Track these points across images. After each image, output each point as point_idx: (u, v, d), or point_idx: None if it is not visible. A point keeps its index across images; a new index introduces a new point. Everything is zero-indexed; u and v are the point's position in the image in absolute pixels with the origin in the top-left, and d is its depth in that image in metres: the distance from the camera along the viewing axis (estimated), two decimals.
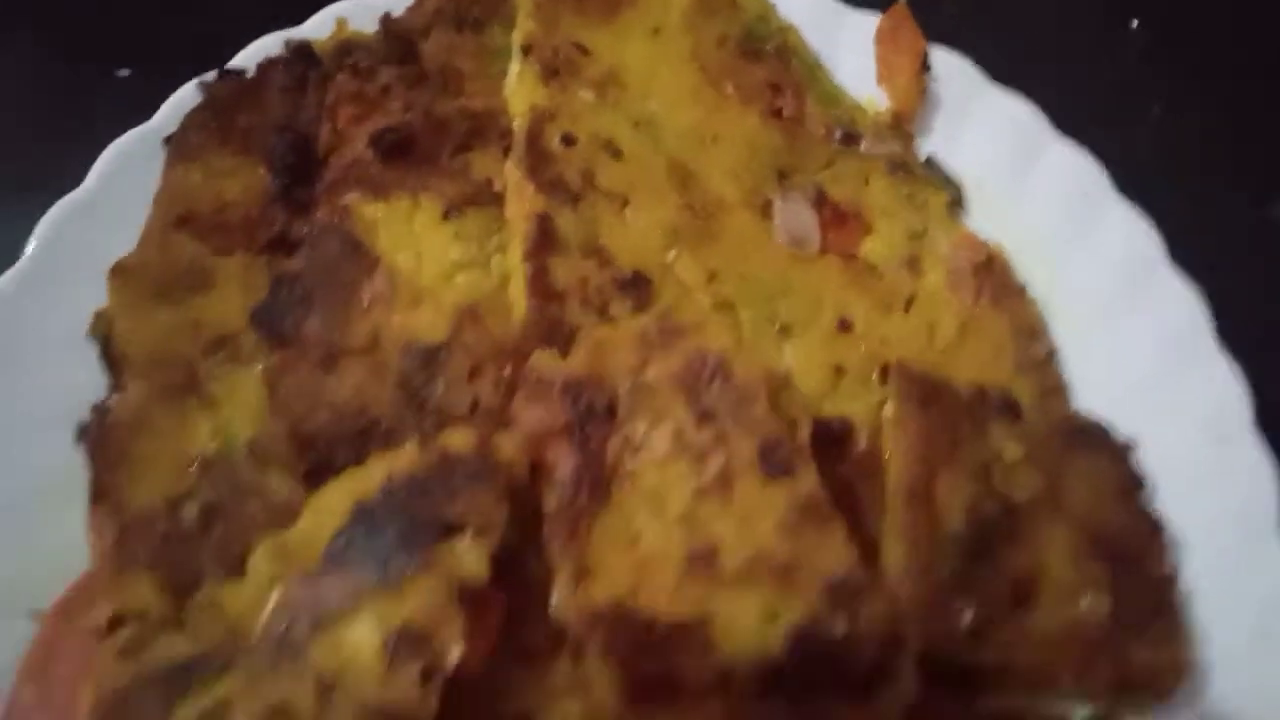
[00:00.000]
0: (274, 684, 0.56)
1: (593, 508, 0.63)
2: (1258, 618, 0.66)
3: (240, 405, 0.70)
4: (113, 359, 0.70)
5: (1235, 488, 0.70)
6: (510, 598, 0.61)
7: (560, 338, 0.68)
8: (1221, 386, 0.73)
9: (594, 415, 0.65)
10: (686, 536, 0.62)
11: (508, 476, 0.61)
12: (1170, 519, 0.70)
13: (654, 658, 0.58)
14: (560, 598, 0.61)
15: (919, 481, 0.65)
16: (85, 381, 0.70)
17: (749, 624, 0.59)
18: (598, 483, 0.63)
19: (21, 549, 0.65)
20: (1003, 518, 0.66)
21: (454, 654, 0.55)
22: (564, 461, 0.63)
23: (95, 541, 0.65)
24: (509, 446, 0.62)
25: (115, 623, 0.62)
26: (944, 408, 0.68)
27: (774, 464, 0.63)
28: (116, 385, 0.70)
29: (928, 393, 0.68)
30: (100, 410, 0.69)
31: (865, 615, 0.59)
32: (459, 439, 0.62)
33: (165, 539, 0.65)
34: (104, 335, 0.70)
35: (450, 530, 0.59)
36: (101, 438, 0.67)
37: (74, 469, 0.67)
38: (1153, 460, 0.72)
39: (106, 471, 0.66)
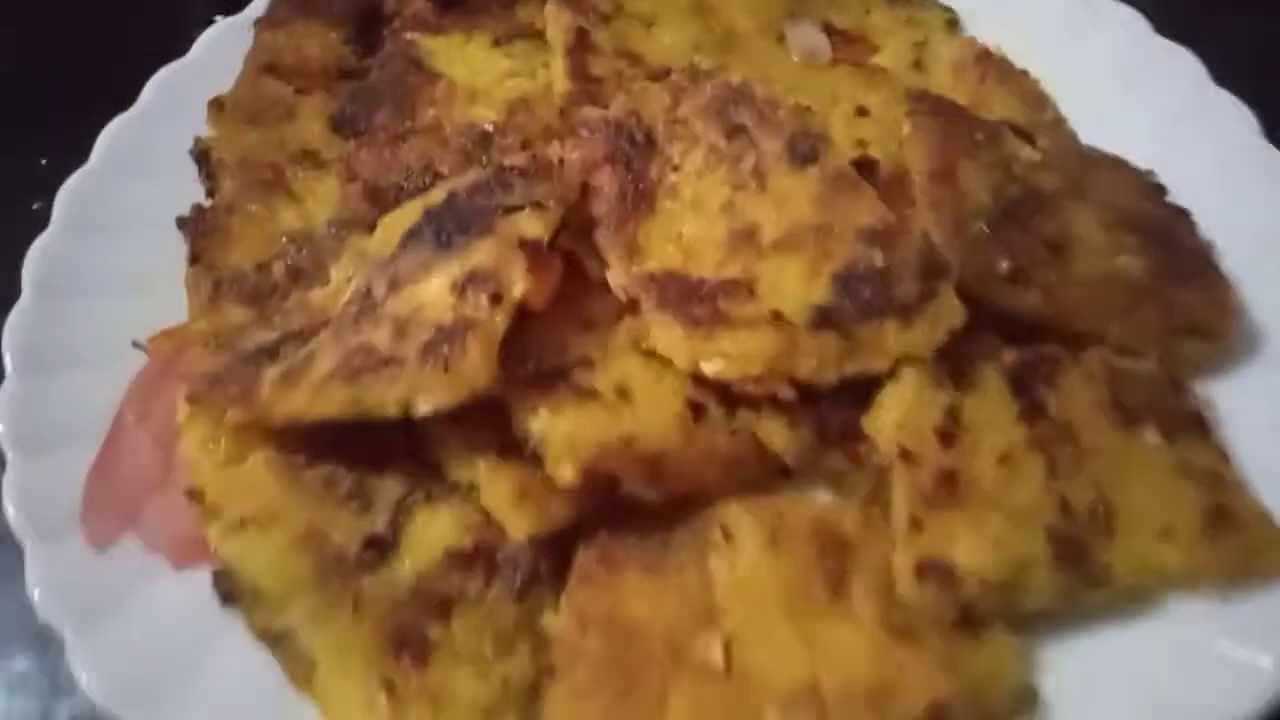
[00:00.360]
0: (355, 333, 0.61)
1: (639, 214, 0.68)
2: None
3: (321, 199, 0.78)
4: (210, 169, 0.79)
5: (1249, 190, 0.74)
6: (569, 281, 0.66)
7: (600, 106, 0.76)
8: (1228, 117, 0.78)
9: (635, 144, 0.71)
10: (728, 221, 0.67)
11: (558, 176, 0.68)
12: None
13: (704, 304, 0.62)
14: (615, 271, 0.65)
15: (941, 167, 0.69)
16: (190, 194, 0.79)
17: (792, 281, 0.63)
18: (641, 195, 0.69)
19: (130, 314, 0.72)
20: (1028, 196, 0.69)
21: (518, 288, 0.60)
22: (609, 182, 0.70)
23: (191, 298, 0.72)
24: (557, 153, 0.69)
25: (210, 336, 0.68)
26: (956, 117, 0.73)
27: (800, 152, 0.68)
28: (211, 190, 0.78)
29: (939, 104, 0.74)
30: (198, 207, 0.77)
31: (902, 248, 0.63)
32: (513, 157, 0.69)
33: (255, 290, 0.72)
34: (202, 151, 0.79)
35: (510, 210, 0.64)
36: (198, 219, 0.75)
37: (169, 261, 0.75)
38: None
39: (202, 240, 0.74)
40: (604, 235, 0.67)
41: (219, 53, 0.86)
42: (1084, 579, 0.55)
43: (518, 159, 0.68)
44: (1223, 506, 0.56)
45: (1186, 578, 0.55)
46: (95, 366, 0.69)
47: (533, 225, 0.63)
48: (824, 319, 0.60)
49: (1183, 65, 0.81)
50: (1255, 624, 0.54)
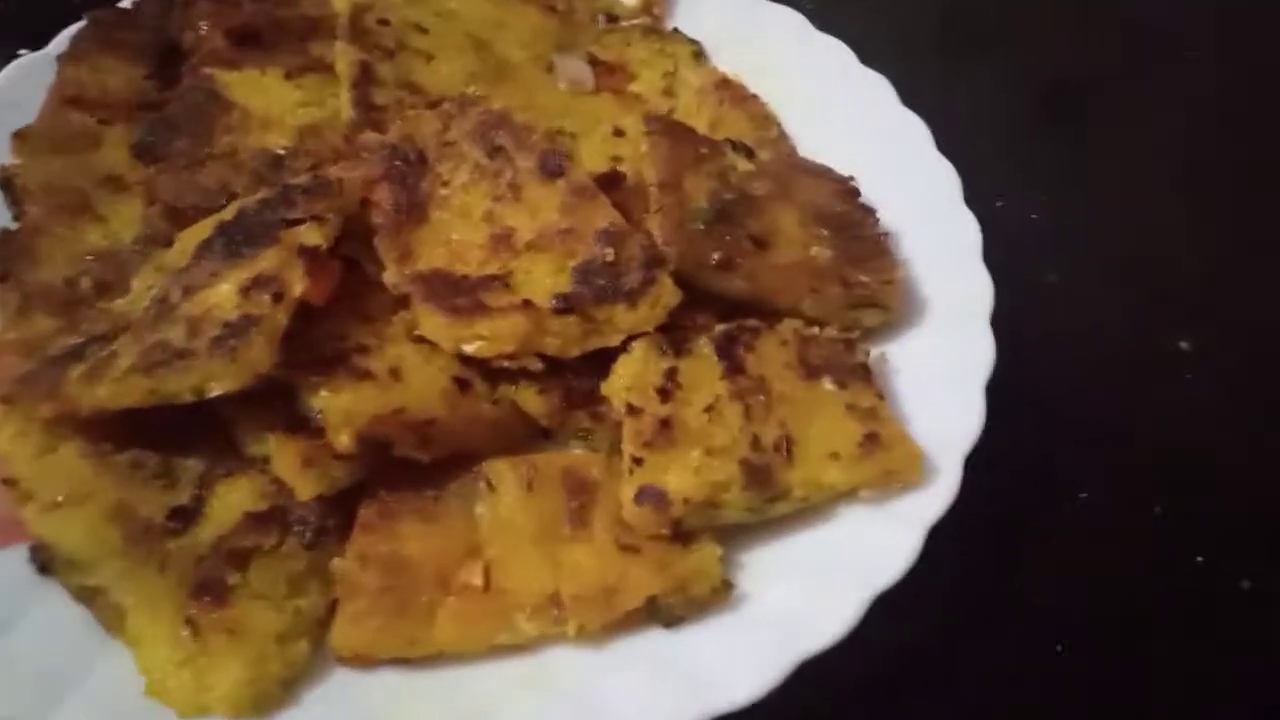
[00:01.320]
0: (152, 332, 0.69)
1: (412, 223, 0.79)
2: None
3: (125, 220, 0.85)
4: (15, 195, 0.85)
5: (929, 186, 0.91)
6: (349, 282, 0.76)
7: (381, 132, 0.87)
8: (910, 128, 0.95)
9: (409, 164, 0.82)
10: (488, 227, 0.79)
11: (338, 193, 0.78)
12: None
13: (466, 296, 0.74)
14: (390, 271, 0.76)
15: (669, 177, 0.83)
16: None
17: (541, 275, 0.76)
18: (415, 206, 0.80)
19: None
20: (740, 200, 0.84)
21: (297, 288, 0.70)
22: (386, 197, 0.80)
23: (1, 312, 0.78)
24: (337, 173, 0.79)
25: (19, 344, 0.74)
26: (686, 136, 0.88)
27: (550, 168, 0.81)
28: (18, 214, 0.85)
29: (671, 126, 0.88)
30: (4, 231, 0.83)
31: (630, 245, 0.77)
32: (298, 179, 0.79)
33: (64, 302, 0.79)
34: (6, 179, 0.85)
35: (293, 223, 0.74)
36: (5, 242, 0.81)
37: None
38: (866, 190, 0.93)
39: (10, 261, 0.80)
40: (381, 242, 0.78)
41: (22, 86, 0.93)
42: (768, 496, 0.69)
43: (302, 179, 0.79)
44: (875, 434, 0.72)
45: (848, 489, 0.70)
46: None
47: (312, 235, 0.73)
48: (566, 304, 0.73)
49: (877, 90, 0.99)
50: (899, 515, 0.70)
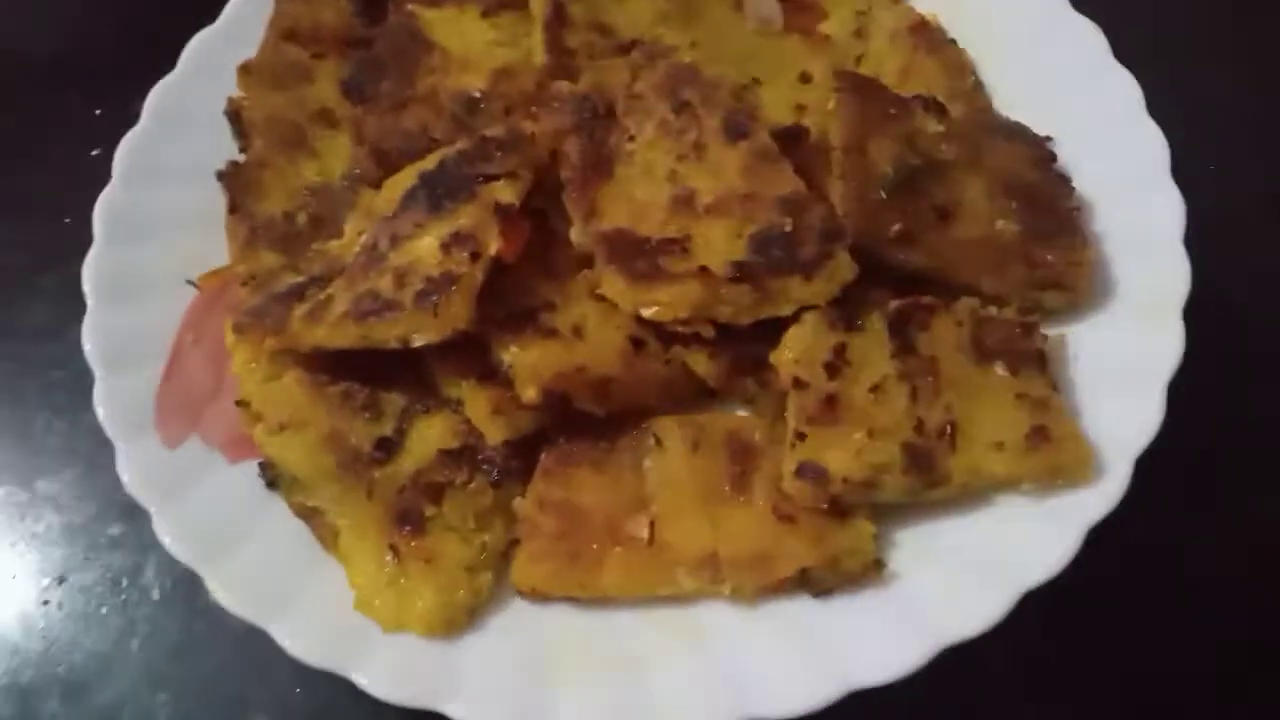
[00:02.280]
0: (363, 281, 0.76)
1: (599, 179, 0.82)
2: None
3: (337, 155, 0.92)
4: (241, 128, 0.93)
5: (1133, 155, 0.86)
6: (538, 237, 0.80)
7: (571, 79, 0.89)
8: (1121, 85, 0.89)
9: (597, 116, 0.84)
10: (671, 187, 0.80)
11: (531, 147, 0.81)
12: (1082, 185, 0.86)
13: (646, 259, 0.76)
14: (576, 229, 0.80)
15: (854, 140, 0.82)
16: (226, 149, 0.93)
17: (719, 240, 0.77)
18: (602, 161, 0.82)
19: (183, 253, 0.88)
20: (926, 166, 0.82)
21: (493, 247, 0.74)
22: (574, 148, 0.83)
23: (231, 242, 0.87)
24: (531, 127, 0.83)
25: (249, 279, 0.83)
26: (875, 95, 0.86)
27: (734, 129, 0.81)
28: (244, 146, 0.93)
29: (861, 83, 0.86)
30: (234, 162, 0.91)
31: (808, 217, 0.77)
32: (494, 129, 0.83)
33: (284, 236, 0.87)
34: (234, 111, 0.93)
35: (489, 179, 0.79)
36: (235, 174, 0.89)
37: (213, 207, 0.90)
38: (1065, 149, 0.89)
39: (239, 193, 0.88)
40: (569, 197, 0.81)
41: (246, 18, 0.99)
42: (928, 482, 0.70)
43: (498, 130, 0.82)
44: (1044, 427, 0.71)
45: (1010, 482, 0.71)
46: (158, 298, 0.85)
47: (506, 193, 0.77)
48: (741, 274, 0.75)
49: (1086, 39, 0.92)
50: (1058, 513, 0.70)
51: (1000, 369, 0.74)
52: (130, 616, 0.85)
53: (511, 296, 0.77)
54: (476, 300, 0.73)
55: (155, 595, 0.85)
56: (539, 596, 0.71)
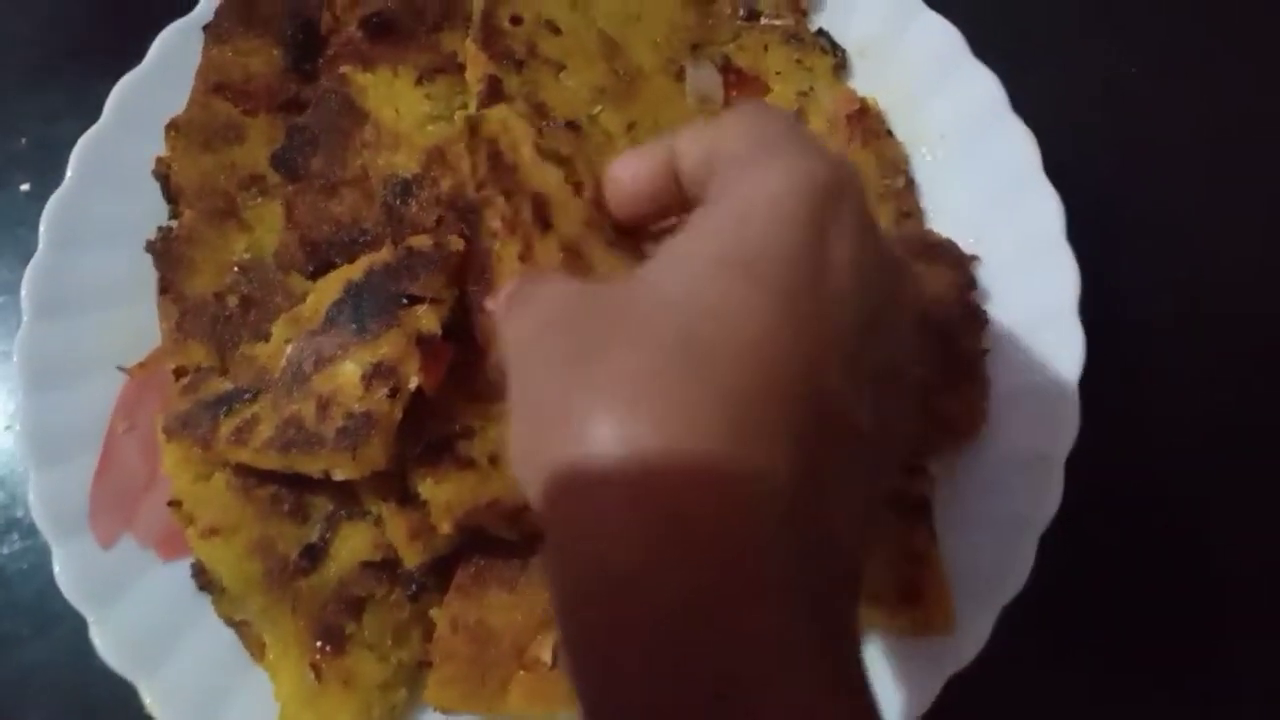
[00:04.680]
0: (288, 403, 0.79)
1: None
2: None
3: (268, 226, 0.92)
4: (171, 193, 0.92)
5: (1046, 284, 0.89)
6: (461, 354, 0.83)
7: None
8: (1045, 208, 0.91)
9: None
10: None
11: (455, 264, 0.83)
12: (992, 313, 0.89)
13: None
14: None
15: None
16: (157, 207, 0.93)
17: None
18: None
19: (116, 329, 0.89)
20: None
21: (413, 381, 0.77)
22: None
23: (163, 323, 0.89)
24: (456, 244, 0.83)
25: (179, 373, 0.85)
26: None
27: None
28: (175, 212, 0.92)
29: None
30: (164, 230, 0.91)
31: None
32: (421, 240, 0.84)
33: (213, 320, 0.88)
34: (164, 174, 0.92)
35: (413, 300, 0.80)
36: (165, 248, 0.90)
37: (146, 273, 0.90)
38: (985, 271, 0.91)
39: (170, 271, 0.89)
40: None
41: (172, 62, 0.96)
42: None
43: (424, 243, 0.83)
44: (919, 585, 0.78)
45: (881, 628, 0.78)
46: (91, 381, 0.87)
47: (428, 320, 0.79)
48: None
49: (1018, 148, 0.93)
50: (922, 659, 0.78)
51: (885, 517, 0.80)
52: None
53: (430, 423, 0.80)
54: (395, 433, 0.76)
55: None
56: (449, 713, 0.78)
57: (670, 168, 0.60)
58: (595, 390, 0.47)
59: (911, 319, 0.59)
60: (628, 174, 0.63)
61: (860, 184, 0.55)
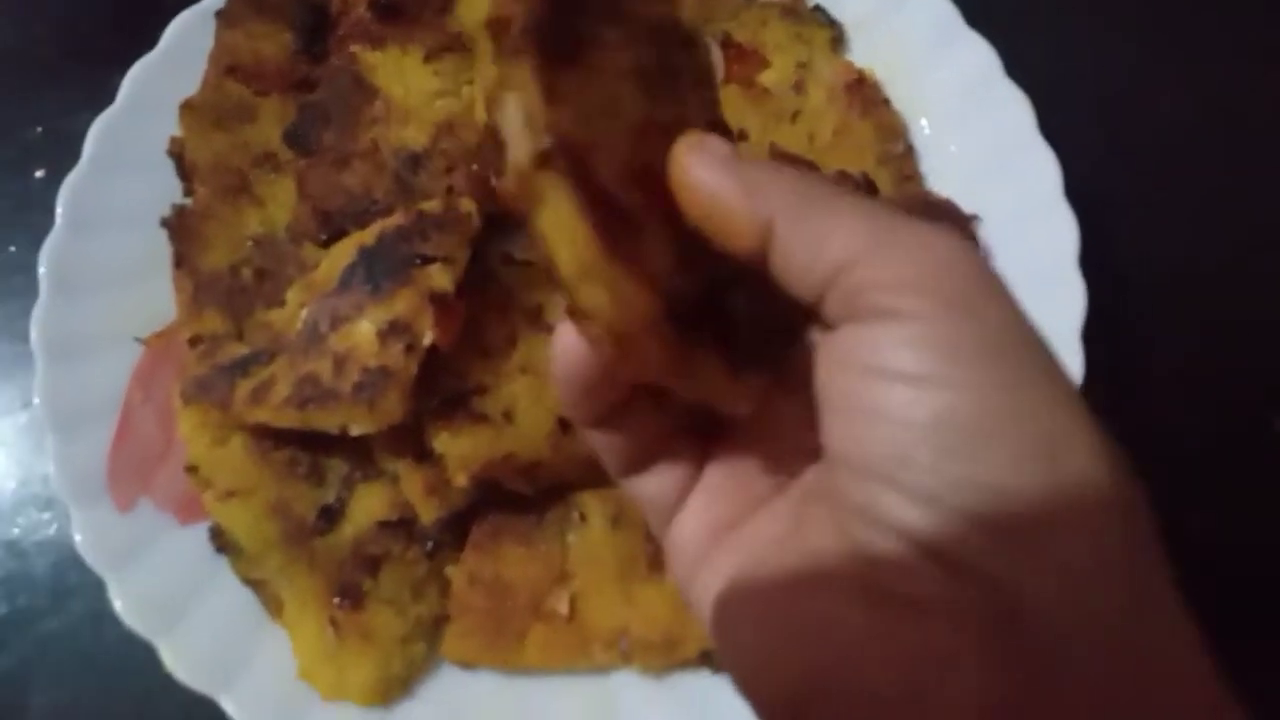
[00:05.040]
0: (304, 362, 0.80)
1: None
2: None
3: (280, 202, 0.93)
4: (185, 171, 0.94)
5: (1046, 239, 0.90)
6: (474, 312, 0.84)
7: None
8: (1042, 166, 0.93)
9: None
10: None
11: (466, 226, 0.84)
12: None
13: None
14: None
15: None
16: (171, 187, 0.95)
17: None
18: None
19: (132, 304, 0.90)
20: None
21: (427, 337, 0.78)
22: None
23: (178, 296, 0.90)
24: (467, 206, 0.85)
25: (195, 340, 0.86)
26: None
27: None
28: (189, 190, 0.94)
29: (794, 164, 0.89)
30: (178, 207, 0.93)
31: None
32: (431, 204, 0.86)
33: (229, 291, 0.89)
34: (178, 154, 0.94)
35: (425, 260, 0.82)
36: (180, 224, 0.91)
37: (161, 251, 0.92)
38: (986, 229, 0.93)
39: (184, 245, 0.90)
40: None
41: (185, 46, 0.98)
42: None
43: (434, 205, 0.85)
44: None
45: None
46: (108, 353, 0.88)
47: (441, 279, 0.80)
48: None
49: (1013, 111, 0.95)
50: None
51: None
52: None
53: (445, 380, 0.81)
54: (411, 388, 0.77)
55: None
56: (468, 664, 0.78)
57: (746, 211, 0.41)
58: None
59: None
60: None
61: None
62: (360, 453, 0.83)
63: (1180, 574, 0.37)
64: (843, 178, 0.91)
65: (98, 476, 0.83)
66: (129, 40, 1.00)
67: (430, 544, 0.81)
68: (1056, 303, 0.87)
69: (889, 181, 0.95)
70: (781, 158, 0.89)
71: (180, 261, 0.90)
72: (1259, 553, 0.91)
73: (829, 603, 0.38)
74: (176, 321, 0.89)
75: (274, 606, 0.80)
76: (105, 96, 0.97)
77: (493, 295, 0.86)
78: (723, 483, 0.47)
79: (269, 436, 0.83)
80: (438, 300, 0.79)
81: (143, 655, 0.77)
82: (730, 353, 0.41)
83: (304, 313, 0.83)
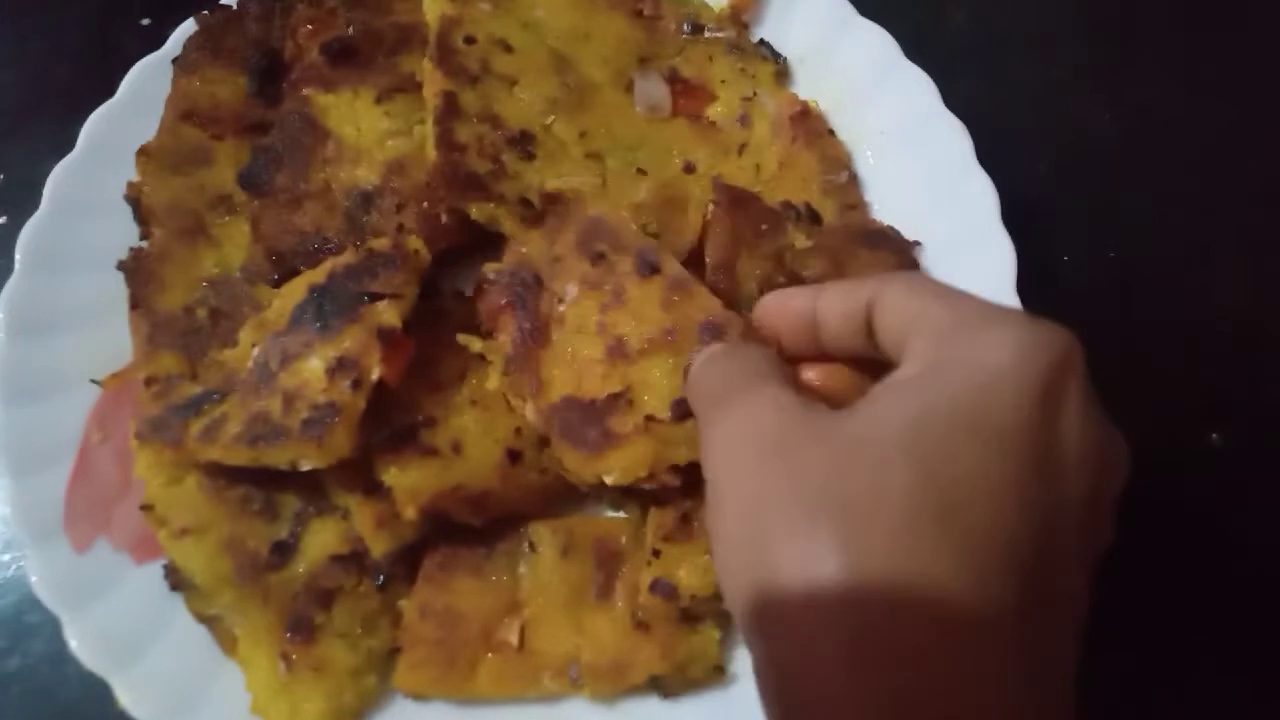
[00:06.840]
0: (255, 400, 0.81)
1: (539, 349, 0.84)
2: None
3: (236, 243, 0.95)
4: (142, 215, 0.96)
5: (984, 263, 0.92)
6: (422, 347, 0.85)
7: (459, 181, 0.91)
8: (979, 194, 0.95)
9: (527, 287, 0.86)
10: (603, 340, 0.82)
11: (414, 263, 0.86)
12: None
13: (595, 426, 0.79)
14: (529, 409, 0.83)
15: (724, 260, 0.88)
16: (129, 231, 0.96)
17: (657, 382, 0.80)
18: (539, 331, 0.84)
19: (89, 346, 0.92)
20: (789, 284, 0.88)
21: (374, 373, 0.80)
22: (512, 324, 0.85)
23: (134, 338, 0.91)
24: (415, 244, 0.87)
25: (150, 381, 0.88)
26: (749, 209, 0.91)
27: (645, 265, 0.84)
28: (145, 234, 0.96)
29: (736, 197, 0.91)
30: (135, 250, 0.95)
31: (731, 333, 0.79)
32: (380, 242, 0.87)
33: (184, 332, 0.91)
34: (135, 198, 0.96)
35: (374, 297, 0.83)
36: (136, 266, 0.93)
37: (118, 294, 0.94)
38: (926, 255, 0.95)
39: (140, 288, 0.92)
40: (513, 377, 0.84)
41: (144, 94, 1.01)
42: None
43: (383, 244, 0.86)
44: None
45: None
46: (66, 394, 0.89)
47: (389, 314, 0.82)
48: (684, 410, 0.77)
49: (952, 141, 0.97)
50: None
51: None
52: None
53: (394, 413, 0.82)
54: (360, 422, 0.79)
55: None
56: (419, 696, 0.79)
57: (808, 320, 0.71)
58: (824, 515, 0.50)
59: (1119, 491, 0.59)
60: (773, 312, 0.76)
61: (1082, 355, 0.56)
62: (313, 488, 0.84)
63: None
64: (787, 208, 0.93)
65: (55, 517, 0.84)
66: (98, 86, 1.03)
67: (382, 577, 0.82)
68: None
69: (833, 211, 0.97)
70: (724, 191, 0.91)
71: (136, 303, 0.92)
72: (1198, 567, 0.92)
73: None
74: (133, 363, 0.91)
75: (228, 642, 0.80)
76: (70, 144, 0.99)
77: (443, 330, 0.88)
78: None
79: (223, 474, 0.84)
80: (385, 336, 0.81)
81: (102, 694, 0.78)
82: None
83: (255, 351, 0.85)
